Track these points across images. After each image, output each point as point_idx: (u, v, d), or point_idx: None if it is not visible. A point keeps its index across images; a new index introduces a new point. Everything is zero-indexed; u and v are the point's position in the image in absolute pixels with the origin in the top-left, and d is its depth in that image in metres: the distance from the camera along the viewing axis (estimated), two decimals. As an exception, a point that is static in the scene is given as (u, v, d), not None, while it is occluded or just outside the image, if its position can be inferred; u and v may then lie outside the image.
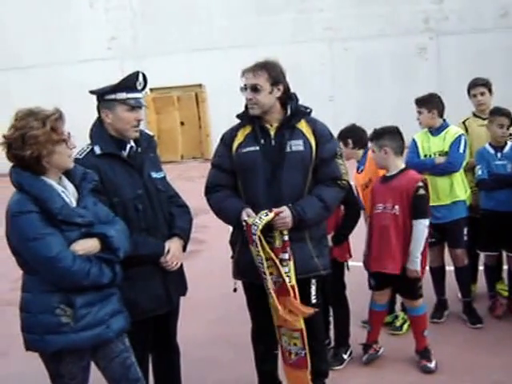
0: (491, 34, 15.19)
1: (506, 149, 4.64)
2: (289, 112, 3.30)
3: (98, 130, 3.10)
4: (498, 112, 4.62)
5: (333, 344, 4.26)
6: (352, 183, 3.93)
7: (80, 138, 2.88)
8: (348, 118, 15.03)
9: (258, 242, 3.08)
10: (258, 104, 3.24)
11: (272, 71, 3.25)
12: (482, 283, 5.08)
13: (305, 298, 3.29)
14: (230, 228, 3.50)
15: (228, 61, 15.88)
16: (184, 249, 3.24)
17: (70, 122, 2.76)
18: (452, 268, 4.80)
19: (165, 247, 3.09)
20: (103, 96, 3.06)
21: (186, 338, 3.61)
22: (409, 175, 3.96)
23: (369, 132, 4.21)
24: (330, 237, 3.75)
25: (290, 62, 3.53)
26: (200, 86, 17.16)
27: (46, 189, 2.58)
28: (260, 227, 3.06)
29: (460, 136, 4.59)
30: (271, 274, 3.15)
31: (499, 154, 4.62)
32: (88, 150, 3.05)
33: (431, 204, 4.26)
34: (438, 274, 4.80)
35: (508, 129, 4.61)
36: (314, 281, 3.36)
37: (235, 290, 3.46)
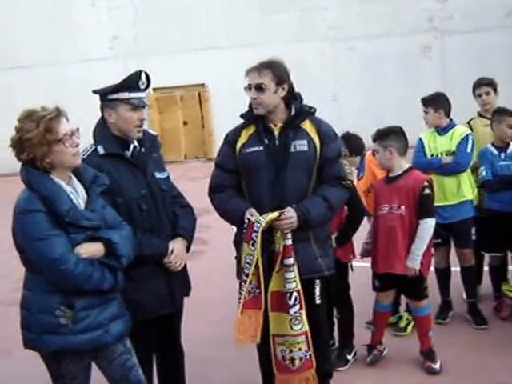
0: (495, 32, 15.18)
1: (510, 149, 4.62)
2: (293, 112, 3.28)
3: (102, 130, 3.09)
4: (506, 112, 4.59)
5: (337, 345, 4.25)
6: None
7: (83, 137, 2.86)
8: (351, 117, 15.09)
9: (258, 241, 3.06)
10: (262, 104, 3.22)
11: (277, 70, 3.23)
12: (486, 284, 5.06)
13: (309, 299, 3.27)
14: (234, 228, 3.49)
15: (231, 60, 15.86)
16: (188, 249, 3.23)
17: (73, 121, 2.73)
18: (456, 269, 4.78)
19: (168, 247, 3.08)
20: (106, 96, 3.05)
21: (190, 338, 3.60)
22: (414, 175, 3.95)
23: (372, 131, 4.19)
24: (333, 237, 3.73)
25: (294, 62, 3.52)
26: (203, 85, 17.17)
27: (54, 189, 2.56)
28: (263, 224, 3.05)
29: (467, 136, 4.57)
30: (250, 282, 3.13)
31: (503, 155, 4.60)
32: (91, 149, 3.04)
33: (438, 204, 4.27)
34: (444, 275, 4.78)
35: (514, 128, 4.59)
36: (318, 281, 3.35)
37: (239, 283, 3.44)
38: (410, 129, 4.25)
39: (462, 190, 4.56)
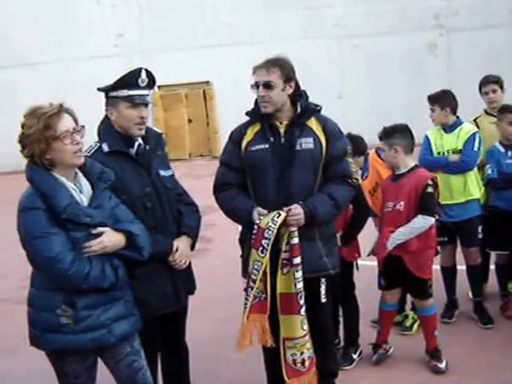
0: (502, 29, 15.10)
1: (517, 147, 4.59)
2: (299, 109, 3.27)
3: (106, 128, 3.08)
4: (507, 109, 4.56)
5: (342, 344, 4.23)
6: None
7: (88, 135, 2.85)
8: (357, 115, 15.06)
9: (269, 249, 3.03)
10: (270, 101, 3.20)
11: (284, 68, 3.22)
12: (492, 283, 5.03)
13: (314, 298, 3.26)
14: (239, 226, 3.47)
15: (236, 57, 15.84)
16: (192, 247, 3.22)
17: (78, 119, 2.72)
18: (462, 267, 4.76)
19: (173, 245, 3.07)
20: (108, 93, 3.05)
21: (194, 337, 3.60)
22: (418, 173, 3.93)
23: (378, 129, 4.17)
24: (338, 236, 3.72)
25: (299, 59, 3.51)
26: (208, 83, 17.14)
27: (53, 185, 2.55)
28: (275, 231, 3.02)
29: (474, 134, 4.54)
30: (257, 287, 3.12)
31: (509, 153, 4.57)
32: (96, 147, 3.03)
33: (445, 202, 4.25)
34: (450, 274, 4.75)
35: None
36: (323, 280, 3.33)
37: (245, 289, 3.43)
38: (417, 126, 4.23)
39: (469, 188, 4.54)
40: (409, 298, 4.47)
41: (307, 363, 3.23)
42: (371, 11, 15.82)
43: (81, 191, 2.64)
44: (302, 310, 3.14)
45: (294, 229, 3.11)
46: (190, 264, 3.24)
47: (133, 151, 3.07)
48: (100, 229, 2.60)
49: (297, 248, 3.11)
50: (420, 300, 4.03)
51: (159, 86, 16.10)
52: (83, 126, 2.65)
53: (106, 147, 3.02)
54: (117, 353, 2.74)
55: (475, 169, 4.58)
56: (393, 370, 4.01)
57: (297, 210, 3.09)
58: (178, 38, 16.47)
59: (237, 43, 16.04)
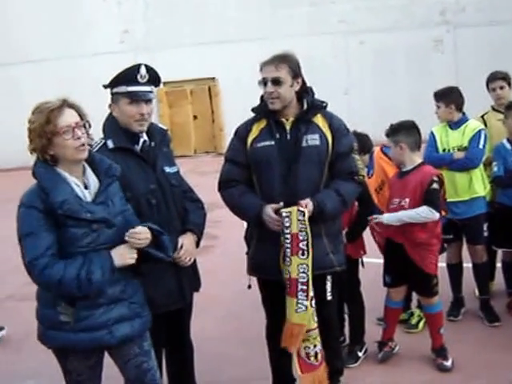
0: (509, 25, 15.02)
1: (524, 144, 4.55)
2: (305, 106, 3.25)
3: (111, 124, 3.07)
4: None
5: (348, 341, 4.22)
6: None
7: (94, 132, 2.84)
8: (363, 111, 14.99)
9: (309, 249, 3.02)
10: (279, 98, 3.19)
11: (292, 64, 3.21)
12: (499, 280, 5.00)
13: (320, 295, 3.25)
14: (244, 224, 3.46)
15: (241, 54, 15.83)
16: (197, 244, 3.21)
17: (85, 114, 2.70)
18: (468, 265, 4.74)
19: (178, 243, 3.05)
20: (110, 89, 3.05)
21: (199, 334, 3.59)
22: (424, 170, 3.91)
23: (383, 125, 4.15)
24: (343, 233, 3.71)
25: (304, 56, 3.50)
26: (213, 79, 17.14)
27: (53, 180, 2.53)
28: (308, 230, 3.01)
29: (480, 131, 4.51)
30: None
31: (516, 150, 4.54)
32: (101, 144, 3.02)
33: (450, 200, 4.22)
34: (456, 271, 4.73)
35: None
36: (329, 277, 3.33)
37: (250, 286, 3.42)
38: (423, 123, 4.20)
39: (474, 185, 4.51)
40: (414, 295, 4.46)
41: (319, 356, 3.21)
42: (377, 7, 15.78)
43: (86, 187, 2.61)
44: (313, 303, 3.12)
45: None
46: (195, 261, 3.23)
47: (138, 148, 3.06)
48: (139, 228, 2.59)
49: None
50: (426, 298, 4.02)
51: (164, 83, 16.09)
52: (88, 121, 2.61)
53: (110, 144, 3.01)
54: (124, 353, 2.72)
55: (481, 166, 4.55)
56: (398, 368, 3.99)
57: (310, 206, 3.07)
58: (184, 34, 16.48)
59: (242, 40, 16.03)
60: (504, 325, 4.48)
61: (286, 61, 3.20)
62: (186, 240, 3.11)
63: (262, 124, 3.29)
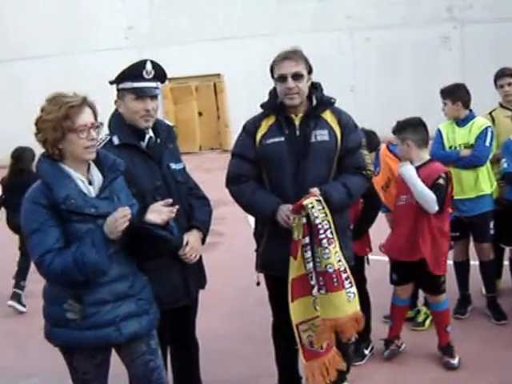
0: (517, 22, 14.91)
1: (533, 141, 4.52)
2: (314, 102, 3.24)
3: (116, 120, 3.06)
4: None
5: (353, 339, 4.19)
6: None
7: (98, 129, 2.82)
8: (369, 108, 14.96)
9: (335, 237, 3.00)
10: (299, 93, 3.17)
11: (305, 58, 3.20)
12: (506, 278, 4.98)
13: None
14: (250, 221, 3.44)
15: (247, 50, 15.79)
16: (203, 241, 3.19)
17: (98, 114, 2.69)
18: (475, 263, 4.72)
19: (183, 239, 3.04)
20: (116, 85, 3.04)
21: (204, 332, 3.58)
22: (433, 166, 3.90)
23: (390, 122, 4.13)
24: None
25: (310, 52, 3.46)
26: (218, 75, 17.10)
27: (57, 176, 2.51)
28: (330, 220, 2.99)
29: (486, 128, 4.49)
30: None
31: (525, 146, 4.51)
32: (106, 140, 3.01)
33: (456, 197, 4.20)
34: (462, 269, 4.72)
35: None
36: None
37: (258, 283, 3.41)
38: (429, 120, 4.18)
39: (480, 183, 4.49)
40: (421, 293, 4.44)
41: (324, 344, 3.17)
42: (383, 3, 15.68)
43: (91, 182, 2.61)
44: (314, 290, 3.10)
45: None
46: (200, 258, 3.22)
47: (143, 144, 3.05)
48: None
49: (305, 228, 3.05)
50: (433, 295, 4.00)
51: (169, 79, 16.02)
52: (101, 123, 2.62)
53: (116, 140, 3.00)
54: (131, 351, 2.70)
55: (487, 163, 4.53)
56: (405, 365, 3.98)
57: (317, 194, 3.05)
58: (189, 30, 16.42)
59: (248, 36, 15.97)
60: (511, 323, 4.46)
61: (302, 56, 3.19)
62: (192, 237, 3.10)
63: (271, 120, 3.27)
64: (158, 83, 3.05)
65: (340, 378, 3.49)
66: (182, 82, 16.88)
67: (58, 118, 2.47)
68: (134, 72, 2.97)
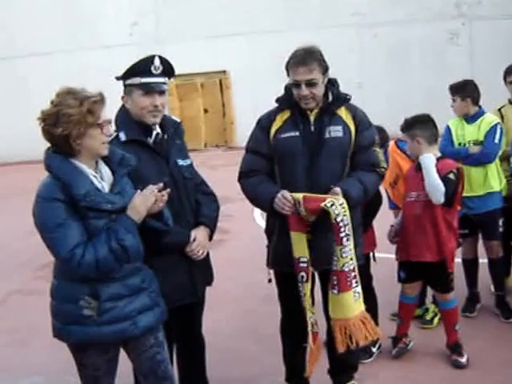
0: (526, 18, 14.83)
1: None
2: (330, 98, 3.23)
3: (123, 116, 3.05)
4: None
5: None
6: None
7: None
8: (377, 105, 14.90)
9: (351, 233, 3.00)
10: (315, 98, 3.17)
11: (321, 60, 3.18)
12: (515, 276, 4.94)
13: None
14: (257, 218, 3.41)
15: (253, 47, 15.76)
16: (210, 238, 3.18)
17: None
18: (484, 260, 4.68)
19: (190, 236, 3.03)
20: (123, 81, 3.03)
21: (210, 329, 3.56)
22: (445, 162, 3.87)
23: (398, 119, 4.10)
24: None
25: (317, 49, 3.46)
26: (224, 72, 17.07)
27: (72, 173, 2.51)
28: (348, 215, 2.98)
29: (496, 125, 4.45)
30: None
31: (534, 143, 4.48)
32: (113, 136, 2.98)
33: (465, 195, 4.16)
34: (471, 267, 4.68)
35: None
36: None
37: (270, 280, 3.40)
38: (438, 117, 4.16)
39: (489, 180, 4.47)
40: (429, 291, 4.41)
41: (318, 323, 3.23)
42: (391, -1, 15.62)
43: (102, 178, 2.61)
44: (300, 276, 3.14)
45: None
46: (207, 255, 3.21)
47: (150, 140, 3.03)
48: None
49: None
50: (441, 293, 3.97)
51: (174, 76, 16.00)
52: (110, 119, 2.66)
53: (123, 136, 2.98)
54: (140, 344, 2.71)
55: (497, 160, 4.50)
56: (413, 364, 3.95)
57: (340, 195, 3.04)
58: (194, 26, 16.39)
59: (254, 32, 15.92)
60: (520, 321, 4.42)
61: (315, 58, 3.15)
62: (199, 233, 3.09)
63: (286, 115, 3.26)
64: (166, 79, 3.04)
65: (348, 376, 3.49)
66: (188, 78, 16.86)
67: (83, 113, 2.48)
68: (142, 67, 2.96)
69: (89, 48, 16.58)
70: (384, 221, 4.01)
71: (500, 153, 4.50)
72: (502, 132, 4.46)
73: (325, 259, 3.10)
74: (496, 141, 4.42)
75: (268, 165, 3.27)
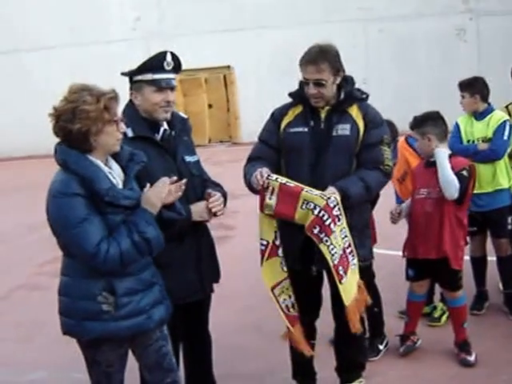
0: (534, 14, 14.73)
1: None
2: (342, 96, 3.23)
3: (130, 113, 3.02)
4: None
5: (368, 335, 4.15)
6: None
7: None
8: (383, 101, 14.85)
9: (342, 212, 3.01)
10: (323, 97, 3.18)
11: (333, 60, 3.17)
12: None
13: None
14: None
15: (257, 42, 15.69)
16: (224, 203, 3.14)
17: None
18: (492, 258, 4.66)
19: (191, 211, 3.00)
20: (132, 77, 3.01)
21: (216, 326, 3.54)
22: (457, 159, 3.85)
23: (404, 115, 4.07)
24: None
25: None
26: (228, 67, 17.02)
27: (92, 168, 2.50)
28: (338, 197, 3.00)
29: (505, 122, 4.43)
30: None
31: (543, 140, 4.45)
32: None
33: (474, 191, 4.13)
34: (479, 265, 4.66)
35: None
36: None
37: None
38: (446, 113, 4.13)
39: (498, 177, 4.45)
40: (438, 288, 4.38)
41: (296, 306, 3.24)
42: (397, -6, 15.53)
43: (114, 174, 2.61)
44: (280, 251, 3.15)
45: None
46: (214, 251, 3.23)
47: (158, 137, 3.02)
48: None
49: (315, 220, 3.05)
50: (450, 291, 3.95)
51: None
52: (124, 117, 2.67)
53: (130, 132, 2.95)
54: (147, 338, 2.72)
55: (505, 157, 4.48)
56: (420, 362, 3.93)
57: (335, 194, 3.04)
58: (198, 21, 16.33)
59: (258, 27, 15.85)
60: (528, 319, 4.40)
61: (326, 58, 3.14)
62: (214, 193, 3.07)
63: (298, 109, 3.28)
64: (176, 74, 3.04)
65: (356, 374, 3.48)
66: (192, 74, 16.78)
67: (101, 110, 2.47)
68: (155, 63, 2.96)
69: (92, 42, 16.52)
70: (382, 216, 3.96)
71: (509, 150, 4.48)
72: (510, 129, 4.44)
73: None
74: (505, 138, 4.40)
75: (274, 156, 3.30)
